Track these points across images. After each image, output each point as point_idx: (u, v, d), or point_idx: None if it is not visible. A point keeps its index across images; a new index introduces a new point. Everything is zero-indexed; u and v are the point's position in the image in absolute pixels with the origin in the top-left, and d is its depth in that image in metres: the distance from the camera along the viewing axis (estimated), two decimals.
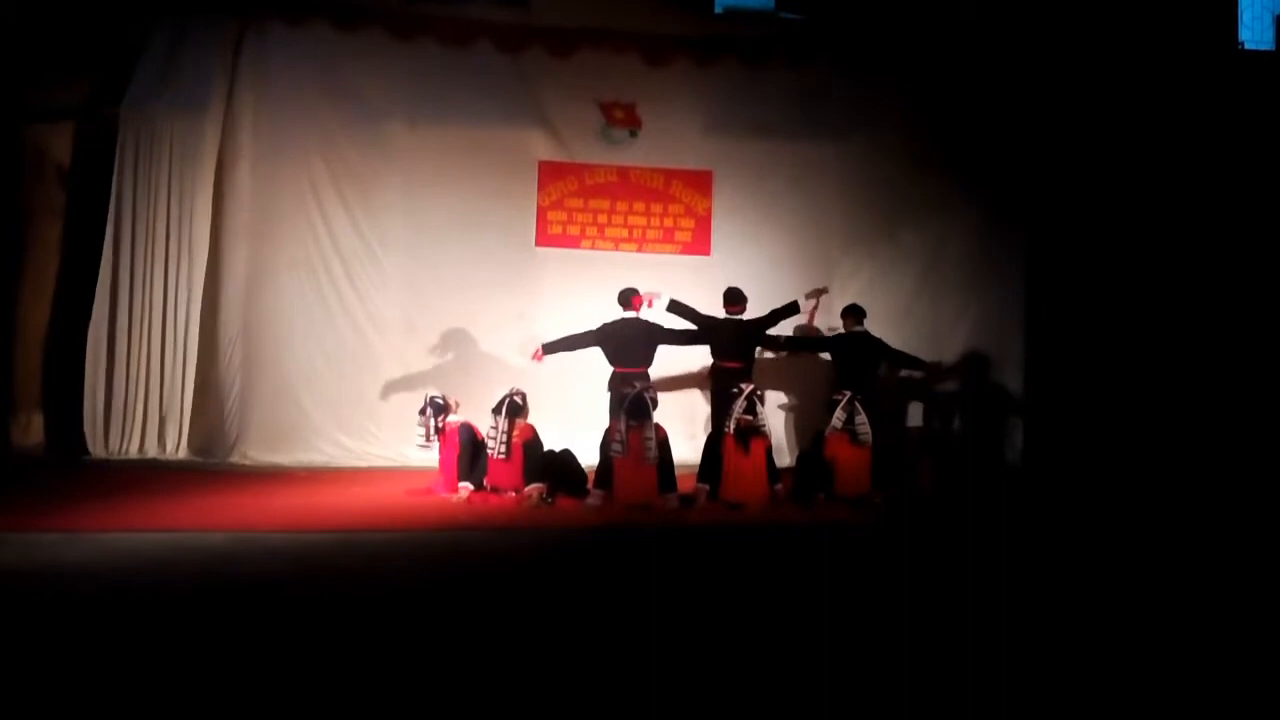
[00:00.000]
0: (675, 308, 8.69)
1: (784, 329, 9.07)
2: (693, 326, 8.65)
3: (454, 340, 9.65)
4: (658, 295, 8.69)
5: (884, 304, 9.73)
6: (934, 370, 9.44)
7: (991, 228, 10.20)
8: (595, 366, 8.58)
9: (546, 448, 7.66)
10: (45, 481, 7.89)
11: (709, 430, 8.23)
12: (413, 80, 9.71)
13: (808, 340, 9.13)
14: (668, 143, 10.03)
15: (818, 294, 9.52)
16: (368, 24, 9.70)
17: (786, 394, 9.92)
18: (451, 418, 7.75)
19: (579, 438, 8.06)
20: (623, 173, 10.02)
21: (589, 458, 7.65)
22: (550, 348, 8.42)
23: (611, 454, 7.15)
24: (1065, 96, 10.32)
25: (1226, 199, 10.54)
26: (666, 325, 8.64)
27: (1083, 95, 10.34)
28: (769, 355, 9.60)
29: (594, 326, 8.46)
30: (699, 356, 9.21)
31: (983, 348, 10.10)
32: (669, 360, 9.23)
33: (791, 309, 8.94)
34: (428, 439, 7.73)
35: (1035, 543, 6.25)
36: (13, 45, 9.49)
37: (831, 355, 8.98)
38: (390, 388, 9.41)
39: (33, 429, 9.44)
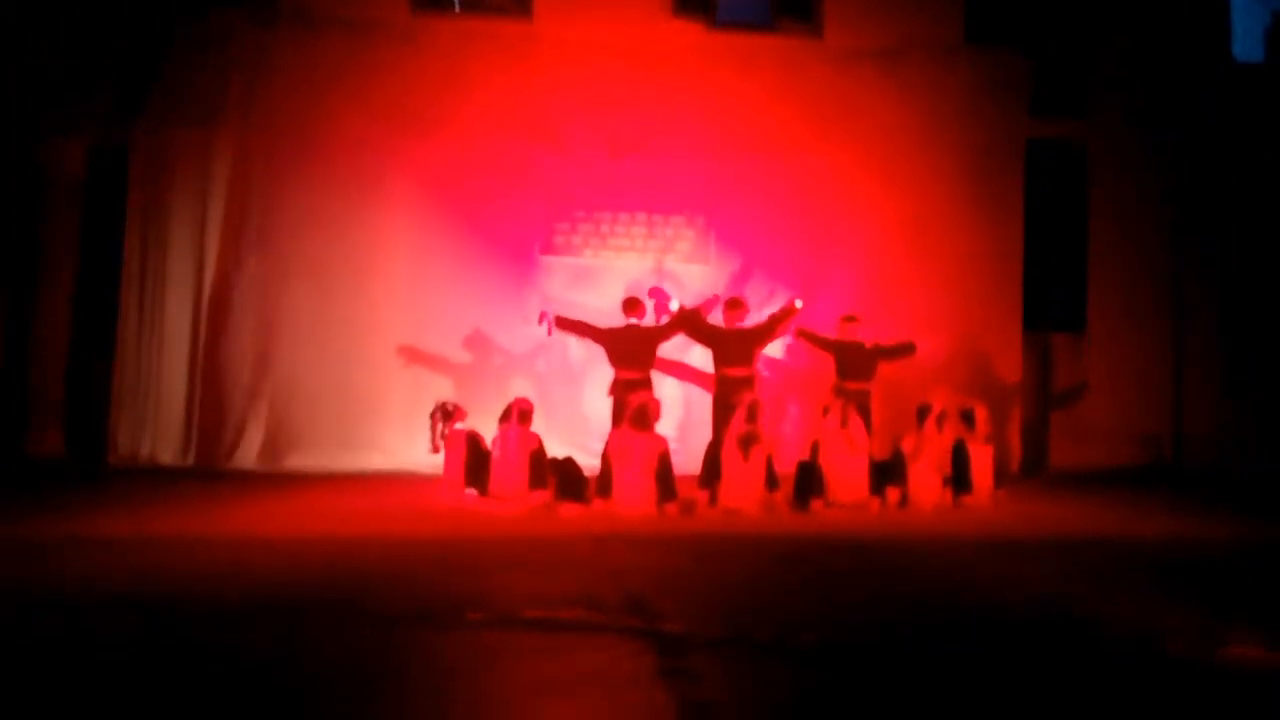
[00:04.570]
0: (684, 314, 8.89)
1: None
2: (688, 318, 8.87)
3: (459, 348, 9.82)
4: (669, 296, 8.91)
5: (880, 310, 9.85)
6: (910, 349, 9.29)
7: (990, 238, 10.39)
8: (598, 375, 8.79)
9: (550, 455, 7.79)
10: (64, 488, 8.10)
11: (710, 437, 8.39)
12: (419, 91, 9.89)
13: (813, 334, 9.22)
14: (669, 152, 10.19)
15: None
16: (375, 37, 9.90)
17: (785, 401, 10.08)
18: (458, 425, 7.91)
19: (582, 445, 8.23)
20: (625, 182, 10.18)
21: (591, 463, 7.80)
22: (563, 323, 8.66)
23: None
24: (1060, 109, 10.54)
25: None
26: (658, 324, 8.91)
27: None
28: (776, 355, 9.76)
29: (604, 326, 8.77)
30: (703, 363, 9.37)
31: (980, 353, 10.30)
32: (673, 367, 9.48)
33: (789, 311, 9.08)
34: (434, 444, 7.92)
35: None
36: (27, 62, 9.66)
37: (834, 359, 9.10)
38: (397, 395, 9.59)
39: (50, 437, 9.64)
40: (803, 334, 9.18)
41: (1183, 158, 10.85)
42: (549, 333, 8.74)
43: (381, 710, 2.92)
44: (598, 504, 7.27)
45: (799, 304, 9.08)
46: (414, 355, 9.74)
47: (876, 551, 5.95)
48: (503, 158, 9.97)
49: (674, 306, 8.95)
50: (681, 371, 9.83)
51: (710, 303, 9.05)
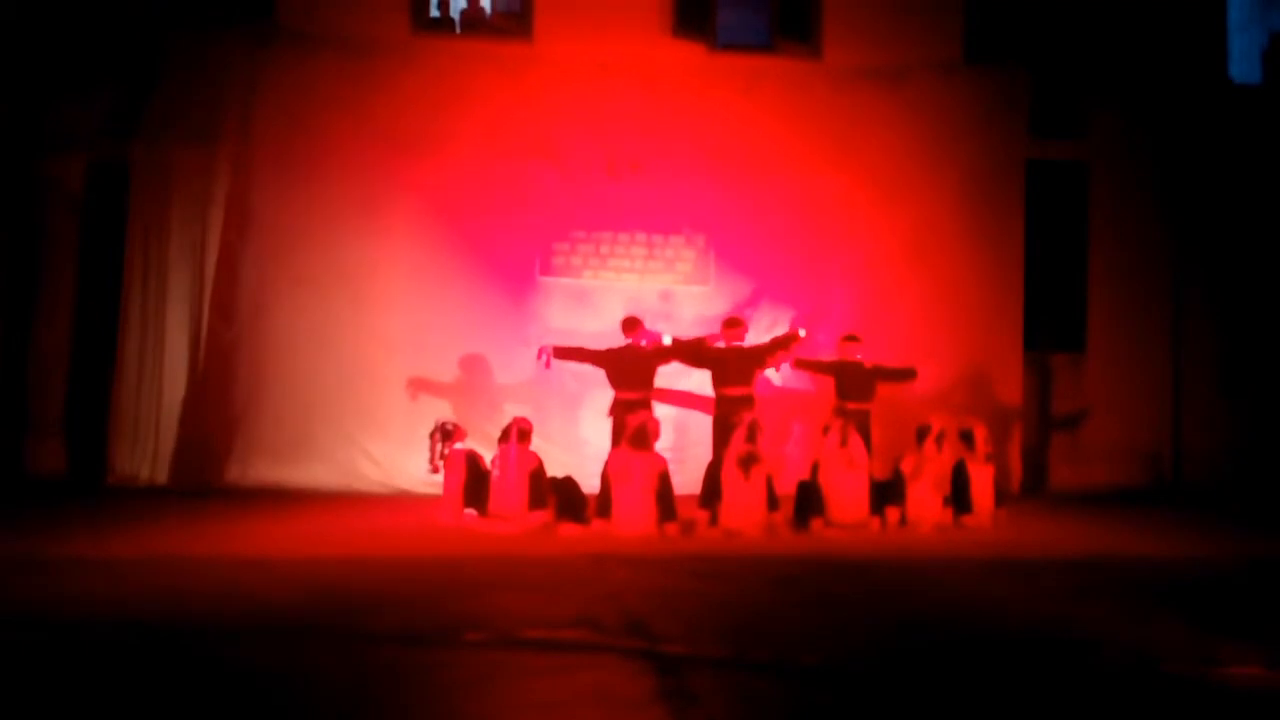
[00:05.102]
0: (679, 343, 8.94)
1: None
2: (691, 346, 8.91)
3: (458, 369, 9.83)
4: (660, 335, 8.96)
5: (880, 330, 9.86)
6: (911, 375, 9.34)
7: (991, 258, 10.43)
8: (597, 395, 8.81)
9: (549, 475, 7.79)
10: (64, 507, 8.12)
11: (709, 457, 8.38)
12: (419, 111, 9.92)
13: (812, 362, 9.28)
14: (669, 173, 10.22)
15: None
16: (375, 57, 9.95)
17: (786, 422, 10.07)
18: (457, 445, 7.92)
19: (581, 465, 8.23)
20: (625, 202, 10.20)
21: (590, 483, 7.79)
22: (561, 353, 8.71)
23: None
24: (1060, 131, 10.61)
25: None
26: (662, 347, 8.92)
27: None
28: (773, 381, 9.76)
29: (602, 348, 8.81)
30: (702, 385, 9.38)
31: (981, 373, 10.32)
32: (671, 389, 9.50)
33: (791, 339, 9.12)
34: (434, 464, 7.93)
35: None
36: (25, 75, 9.71)
37: (834, 379, 9.13)
38: (396, 415, 9.57)
39: (49, 454, 9.64)
40: (802, 364, 9.23)
41: (1182, 178, 10.90)
42: (547, 365, 8.79)
43: None
44: (597, 524, 7.25)
45: (803, 333, 9.12)
46: (413, 375, 9.73)
47: (876, 572, 5.94)
48: (502, 178, 9.99)
49: (667, 341, 8.97)
50: (680, 393, 9.82)
51: (711, 338, 9.06)
